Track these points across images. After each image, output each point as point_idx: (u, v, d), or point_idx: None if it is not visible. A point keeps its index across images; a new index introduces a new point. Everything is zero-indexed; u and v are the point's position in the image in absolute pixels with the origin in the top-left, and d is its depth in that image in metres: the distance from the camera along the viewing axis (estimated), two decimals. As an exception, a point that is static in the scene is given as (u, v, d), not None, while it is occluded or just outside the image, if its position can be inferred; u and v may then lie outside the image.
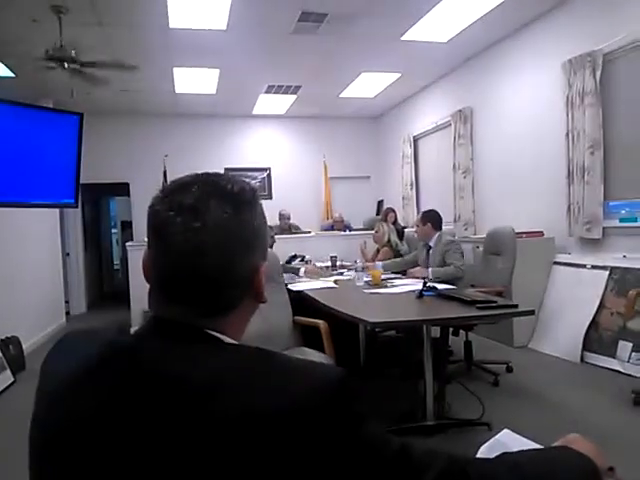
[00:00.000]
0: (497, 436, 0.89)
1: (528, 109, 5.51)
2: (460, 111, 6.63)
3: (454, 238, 4.18)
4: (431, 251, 4.33)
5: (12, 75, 6.10)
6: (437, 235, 4.31)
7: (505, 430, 0.91)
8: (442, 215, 4.52)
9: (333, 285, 4.11)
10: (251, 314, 0.74)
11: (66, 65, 4.75)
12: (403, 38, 5.70)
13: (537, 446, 0.79)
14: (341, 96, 7.99)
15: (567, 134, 4.74)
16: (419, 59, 6.48)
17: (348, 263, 5.39)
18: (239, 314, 0.70)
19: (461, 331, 3.99)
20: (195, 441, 0.54)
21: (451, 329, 4.11)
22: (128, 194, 8.79)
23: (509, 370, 4.03)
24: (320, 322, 2.89)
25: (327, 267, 5.28)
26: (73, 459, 0.59)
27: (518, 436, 0.88)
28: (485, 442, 0.86)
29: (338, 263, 5.36)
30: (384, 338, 4.75)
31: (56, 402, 0.64)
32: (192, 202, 0.65)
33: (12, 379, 4.39)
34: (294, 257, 5.45)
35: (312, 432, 0.54)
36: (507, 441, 0.86)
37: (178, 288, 0.66)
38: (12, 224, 5.22)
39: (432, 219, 4.37)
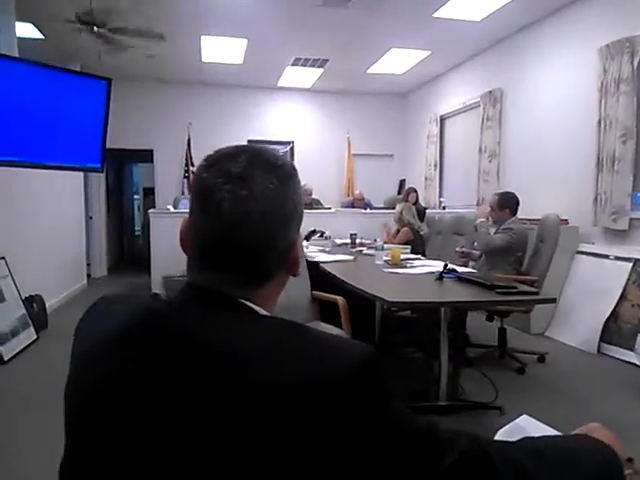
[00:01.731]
0: (516, 420, 0.89)
1: (560, 94, 5.38)
2: (490, 92, 6.50)
3: (514, 227, 3.95)
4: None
5: (41, 37, 6.13)
6: (511, 220, 4.05)
7: (524, 415, 0.91)
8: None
9: (350, 258, 4.18)
10: (283, 287, 0.75)
11: (95, 29, 4.75)
12: (435, 15, 5.57)
13: (556, 432, 0.79)
14: (368, 72, 7.87)
15: (599, 122, 4.62)
16: (450, 37, 6.34)
17: (367, 241, 5.39)
18: (273, 286, 0.71)
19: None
20: (222, 408, 0.55)
21: (485, 314, 4.12)
22: (151, 161, 8.84)
23: (540, 360, 3.99)
24: (339, 298, 2.90)
25: (346, 244, 5.29)
26: (105, 420, 0.61)
27: (537, 422, 0.88)
28: (502, 426, 0.87)
29: (357, 241, 5.36)
30: (399, 317, 4.76)
31: (90, 364, 0.66)
32: (239, 171, 0.66)
33: (35, 336, 4.51)
34: (313, 232, 5.46)
35: (340, 406, 0.54)
36: (525, 426, 0.86)
37: (218, 255, 0.66)
38: (38, 185, 5.30)
39: (509, 204, 4.08)
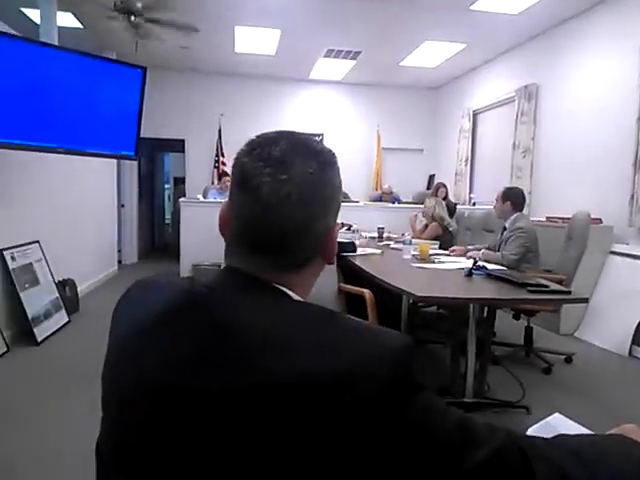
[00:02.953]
0: (547, 419, 0.87)
1: (597, 90, 5.23)
2: (525, 87, 6.36)
3: (524, 226, 3.85)
4: (504, 232, 4.04)
5: (80, 26, 6.25)
6: (514, 216, 3.97)
7: (556, 414, 0.89)
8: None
9: (377, 251, 4.20)
10: (317, 275, 0.75)
11: (132, 18, 4.82)
12: (472, 7, 5.47)
13: (589, 432, 0.78)
14: (401, 64, 7.80)
15: (638, 119, 4.49)
16: (486, 30, 6.22)
17: (395, 235, 5.36)
18: (309, 272, 0.72)
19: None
20: (253, 393, 0.55)
21: (512, 313, 4.05)
22: (183, 150, 8.95)
23: (568, 361, 3.93)
24: (365, 291, 2.90)
25: (373, 238, 5.27)
26: (141, 404, 0.61)
27: (570, 421, 0.86)
28: (530, 425, 0.85)
29: (385, 235, 5.34)
30: (424, 313, 4.73)
31: (129, 347, 0.66)
32: (280, 155, 0.66)
33: (67, 319, 4.64)
34: (341, 225, 5.46)
35: (374, 396, 0.54)
36: (558, 425, 0.84)
37: (256, 239, 0.67)
38: (73, 172, 5.42)
39: (513, 198, 4.01)
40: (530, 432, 0.83)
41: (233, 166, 0.70)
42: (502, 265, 3.60)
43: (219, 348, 0.59)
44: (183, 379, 0.59)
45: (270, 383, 0.55)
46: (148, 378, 0.61)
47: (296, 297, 0.69)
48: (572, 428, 0.83)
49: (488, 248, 4.13)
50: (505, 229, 4.04)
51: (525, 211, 6.20)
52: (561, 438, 0.69)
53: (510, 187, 4.29)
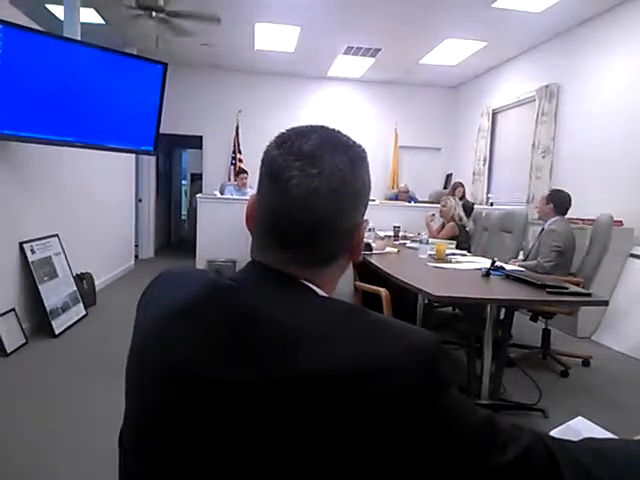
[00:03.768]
0: (570, 422, 0.86)
1: (620, 90, 5.15)
2: (547, 87, 6.28)
3: (556, 229, 3.79)
4: (541, 234, 3.99)
5: (102, 22, 6.31)
6: (553, 219, 3.91)
7: (579, 417, 0.87)
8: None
9: (393, 250, 4.19)
10: (343, 272, 0.74)
11: (154, 14, 4.85)
12: (494, 5, 5.42)
13: (613, 436, 0.76)
14: (421, 62, 7.75)
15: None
16: (508, 28, 6.16)
17: (411, 234, 5.34)
18: (335, 269, 0.71)
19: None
20: (279, 387, 0.55)
21: (529, 314, 4.01)
22: (200, 147, 9.00)
23: (585, 364, 3.88)
24: (382, 290, 2.89)
25: (389, 236, 5.25)
26: (168, 391, 0.61)
27: (593, 424, 0.84)
28: (548, 428, 0.84)
29: (401, 234, 5.32)
30: (439, 313, 4.70)
31: (155, 337, 0.67)
32: (311, 149, 0.66)
33: (84, 312, 4.69)
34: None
35: (401, 393, 0.54)
36: (581, 428, 0.83)
37: (284, 233, 0.67)
38: (92, 167, 5.48)
39: (557, 200, 3.94)
40: (551, 434, 0.82)
41: (262, 159, 0.70)
42: (540, 273, 3.52)
43: (246, 340, 0.59)
44: (210, 370, 0.59)
45: (297, 376, 0.55)
46: (174, 368, 0.62)
47: (321, 293, 0.68)
48: (596, 432, 0.81)
49: (525, 259, 4.08)
50: (543, 231, 4.00)
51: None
52: (587, 441, 0.68)
53: (558, 189, 4.22)
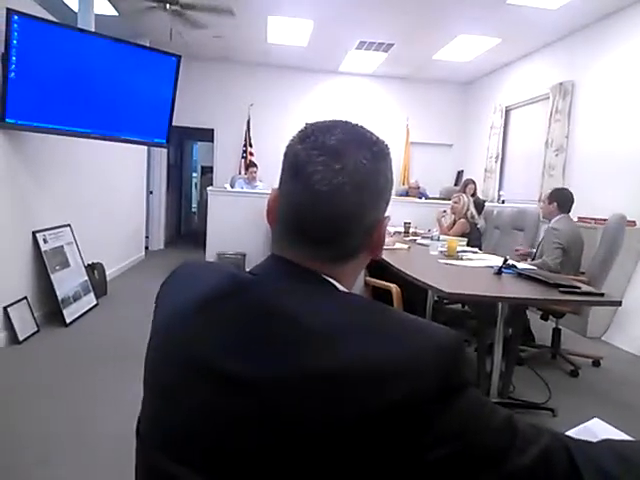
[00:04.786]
0: (586, 423, 0.85)
1: (637, 89, 5.08)
2: (561, 84, 6.22)
3: (557, 226, 3.75)
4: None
5: (116, 14, 6.31)
6: (557, 218, 3.86)
7: (595, 419, 0.86)
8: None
9: (404, 246, 4.17)
10: (362, 268, 0.74)
11: (167, 6, 4.85)
12: (509, 1, 5.36)
13: (631, 438, 0.76)
14: (434, 58, 7.69)
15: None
16: (523, 25, 6.09)
17: (421, 231, 5.32)
18: (355, 265, 0.71)
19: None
20: (302, 379, 0.55)
21: (540, 313, 3.98)
22: (212, 140, 9.01)
23: (595, 364, 3.86)
24: (392, 286, 2.88)
25: (399, 232, 5.23)
26: (187, 384, 0.62)
27: (610, 426, 0.84)
28: (558, 428, 0.83)
29: (411, 230, 5.30)
30: (448, 310, 4.69)
31: (175, 329, 0.67)
32: (335, 144, 0.65)
33: (95, 302, 4.73)
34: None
35: (421, 392, 0.54)
36: (597, 430, 0.82)
37: (305, 228, 0.66)
38: (104, 158, 5.51)
39: (560, 199, 3.89)
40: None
41: (285, 153, 0.69)
42: (551, 270, 3.48)
43: (267, 334, 0.59)
44: (230, 363, 0.59)
45: (315, 372, 0.55)
46: (194, 361, 0.62)
47: (342, 288, 0.68)
48: (613, 434, 0.80)
49: (533, 258, 4.06)
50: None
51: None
52: (607, 442, 0.67)
53: (559, 188, 4.18)
